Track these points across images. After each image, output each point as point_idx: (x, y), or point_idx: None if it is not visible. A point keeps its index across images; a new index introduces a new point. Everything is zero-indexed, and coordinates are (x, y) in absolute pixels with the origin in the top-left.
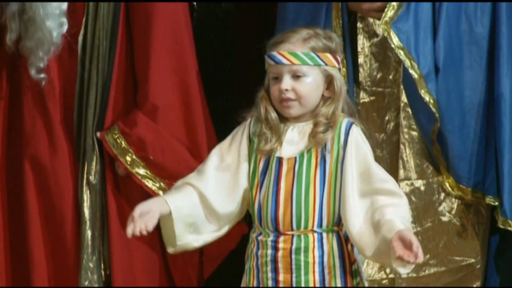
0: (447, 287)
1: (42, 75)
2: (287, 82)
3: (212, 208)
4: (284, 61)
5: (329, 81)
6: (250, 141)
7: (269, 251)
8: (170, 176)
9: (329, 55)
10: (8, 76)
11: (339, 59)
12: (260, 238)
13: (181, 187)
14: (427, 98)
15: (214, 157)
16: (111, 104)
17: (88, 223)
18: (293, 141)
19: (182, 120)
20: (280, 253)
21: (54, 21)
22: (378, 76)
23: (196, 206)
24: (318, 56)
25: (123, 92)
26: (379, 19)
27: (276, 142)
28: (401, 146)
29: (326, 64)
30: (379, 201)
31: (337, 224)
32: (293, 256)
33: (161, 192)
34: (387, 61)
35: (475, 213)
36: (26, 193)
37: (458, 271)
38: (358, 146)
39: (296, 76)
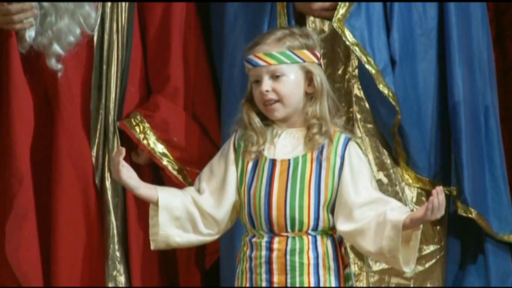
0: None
1: (60, 66)
2: (266, 83)
3: (203, 210)
4: (261, 63)
5: (309, 77)
6: (236, 148)
7: (264, 252)
8: (190, 159)
9: (306, 52)
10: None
11: (318, 54)
12: (254, 240)
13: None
14: (386, 91)
15: (205, 173)
16: (128, 94)
17: (112, 212)
18: (287, 145)
19: (200, 102)
20: (274, 254)
21: (92, 5)
22: (327, 72)
23: (186, 203)
24: (295, 54)
25: (139, 81)
26: (329, 18)
27: (263, 144)
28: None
29: (304, 61)
30: (379, 207)
31: (333, 228)
32: (288, 257)
33: (180, 176)
34: (335, 56)
35: None
36: (52, 184)
37: (427, 259)
38: (356, 162)
39: (275, 77)
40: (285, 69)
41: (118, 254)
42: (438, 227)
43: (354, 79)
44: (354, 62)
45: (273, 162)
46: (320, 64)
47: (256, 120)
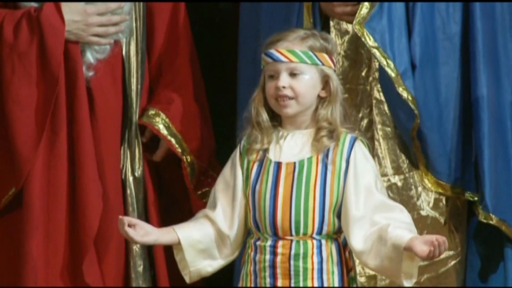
0: (429, 286)
1: (91, 73)
2: (284, 79)
3: (222, 233)
4: (282, 58)
5: (325, 81)
6: (242, 150)
7: (268, 256)
8: (201, 151)
9: (325, 55)
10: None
11: (335, 60)
12: (258, 243)
13: (195, 218)
14: (405, 95)
15: (220, 183)
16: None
17: (135, 212)
18: (293, 147)
19: (200, 95)
20: (278, 259)
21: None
22: (351, 73)
23: (207, 233)
24: (316, 55)
25: (149, 79)
26: (351, 22)
27: (267, 144)
28: (376, 142)
29: (323, 64)
30: (382, 217)
31: (337, 232)
32: (292, 262)
33: (189, 171)
34: (359, 58)
35: (452, 206)
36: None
37: (442, 264)
38: (362, 163)
39: (293, 74)
40: (304, 68)
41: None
42: (455, 234)
43: (375, 82)
44: (375, 65)
45: (278, 165)
46: (335, 70)
47: (264, 117)
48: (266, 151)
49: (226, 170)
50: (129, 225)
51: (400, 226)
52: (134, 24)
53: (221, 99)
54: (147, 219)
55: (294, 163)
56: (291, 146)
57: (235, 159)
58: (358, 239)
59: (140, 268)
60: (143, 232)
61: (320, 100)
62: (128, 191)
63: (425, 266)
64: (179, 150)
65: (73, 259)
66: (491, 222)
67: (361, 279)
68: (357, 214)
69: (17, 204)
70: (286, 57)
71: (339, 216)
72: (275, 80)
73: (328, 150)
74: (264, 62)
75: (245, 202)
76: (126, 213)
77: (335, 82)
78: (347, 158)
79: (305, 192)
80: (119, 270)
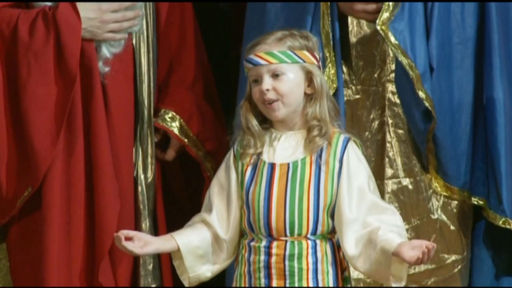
0: (435, 287)
1: (107, 69)
2: (267, 82)
3: (219, 237)
4: (262, 61)
5: (309, 78)
6: (236, 154)
7: (262, 257)
8: (216, 149)
9: (306, 53)
10: None
11: (318, 57)
12: (252, 244)
13: (192, 222)
14: (424, 97)
15: (215, 186)
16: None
17: (146, 210)
18: (287, 148)
19: (210, 93)
20: (273, 259)
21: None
22: (363, 74)
23: (205, 238)
24: (296, 54)
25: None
26: (370, 21)
27: (260, 147)
28: (387, 144)
29: (304, 61)
30: (374, 219)
31: (331, 232)
32: (287, 263)
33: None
34: (372, 59)
35: (459, 210)
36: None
37: (449, 269)
38: (354, 164)
39: (275, 75)
40: (286, 68)
41: None
42: (462, 238)
43: (388, 83)
44: (390, 66)
45: (272, 166)
46: (319, 66)
47: (254, 123)
48: (259, 153)
49: (220, 173)
50: (127, 239)
51: (391, 230)
52: (144, 21)
53: (221, 99)
54: (156, 218)
55: (288, 164)
56: (285, 147)
57: (229, 162)
58: (350, 243)
59: (150, 266)
60: (142, 243)
61: (307, 98)
62: (140, 189)
63: (432, 270)
64: (198, 153)
65: (91, 259)
66: (508, 227)
67: (368, 279)
68: (350, 216)
69: (33, 205)
70: (265, 59)
71: (333, 216)
72: (259, 84)
73: (321, 151)
74: (246, 68)
75: (241, 204)
76: (137, 211)
77: (319, 78)
78: (340, 159)
79: (299, 193)
80: (129, 268)
